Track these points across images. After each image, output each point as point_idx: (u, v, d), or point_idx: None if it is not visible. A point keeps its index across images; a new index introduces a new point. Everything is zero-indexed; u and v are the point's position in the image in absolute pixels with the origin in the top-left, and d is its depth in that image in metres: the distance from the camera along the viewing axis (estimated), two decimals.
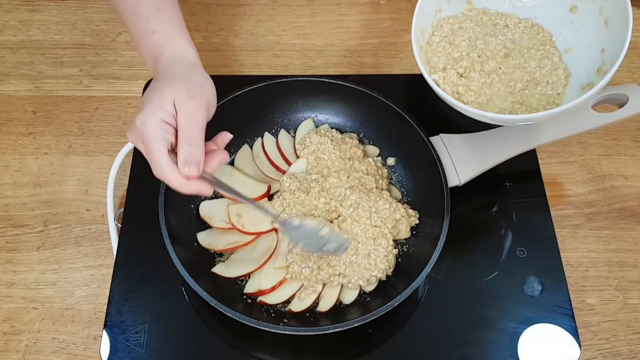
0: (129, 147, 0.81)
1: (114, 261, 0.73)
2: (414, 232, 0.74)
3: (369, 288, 0.69)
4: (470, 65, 0.69)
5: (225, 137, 0.63)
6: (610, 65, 0.60)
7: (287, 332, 0.62)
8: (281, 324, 0.64)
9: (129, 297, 0.70)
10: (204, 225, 0.75)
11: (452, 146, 0.75)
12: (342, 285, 0.69)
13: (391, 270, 0.70)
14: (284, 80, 0.79)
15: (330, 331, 0.61)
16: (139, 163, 0.79)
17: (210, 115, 0.61)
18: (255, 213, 0.73)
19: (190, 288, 0.63)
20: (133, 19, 0.66)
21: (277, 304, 0.68)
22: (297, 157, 0.79)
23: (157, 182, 0.69)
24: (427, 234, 0.71)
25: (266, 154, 0.80)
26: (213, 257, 0.72)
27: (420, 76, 0.67)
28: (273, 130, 0.83)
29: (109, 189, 0.79)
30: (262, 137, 0.81)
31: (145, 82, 0.88)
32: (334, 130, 0.81)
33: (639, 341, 0.71)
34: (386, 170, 0.79)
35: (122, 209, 0.76)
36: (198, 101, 0.58)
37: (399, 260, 0.72)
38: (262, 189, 0.75)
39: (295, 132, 0.82)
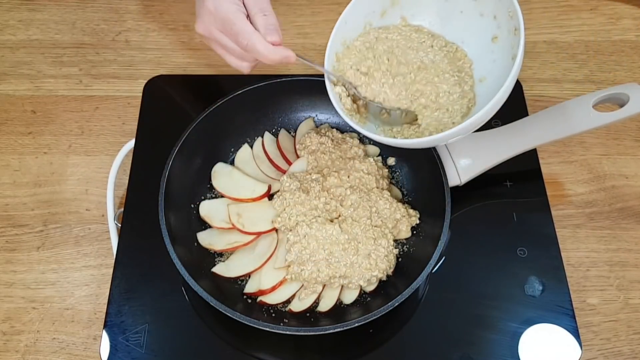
0: (129, 146, 0.81)
1: (113, 261, 0.73)
2: (415, 232, 0.73)
3: (369, 288, 0.69)
4: (375, 65, 0.67)
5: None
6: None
7: (288, 332, 0.62)
8: (281, 324, 0.64)
9: (129, 297, 0.70)
10: (204, 225, 0.74)
11: (452, 146, 0.74)
12: (342, 286, 0.69)
13: (392, 270, 0.70)
14: (284, 79, 0.79)
15: (331, 331, 0.61)
16: (139, 163, 0.79)
17: None
18: (256, 213, 0.73)
19: (190, 288, 0.63)
20: None
21: (277, 304, 0.68)
22: (298, 156, 0.79)
23: (157, 182, 0.69)
24: (427, 233, 0.71)
25: (266, 153, 0.80)
26: (213, 257, 0.72)
27: None
28: (273, 130, 0.83)
29: (108, 189, 0.79)
30: (262, 137, 0.81)
31: (145, 81, 0.88)
32: (334, 129, 0.81)
33: None
34: (387, 170, 0.79)
35: (122, 209, 0.76)
36: None
37: (400, 260, 0.72)
38: (262, 188, 0.75)
39: (295, 132, 0.82)
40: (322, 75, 0.80)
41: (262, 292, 0.68)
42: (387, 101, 0.67)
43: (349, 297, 0.69)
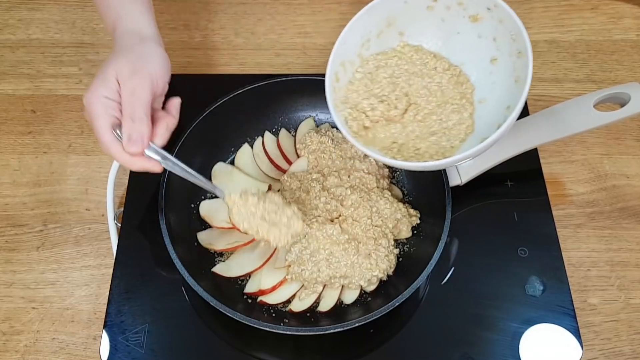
0: None
1: (113, 261, 0.72)
2: (415, 232, 0.73)
3: (370, 288, 0.69)
4: (385, 109, 0.67)
5: (174, 101, 0.63)
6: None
7: (288, 332, 0.62)
8: (282, 324, 0.64)
9: (128, 297, 0.69)
10: (204, 225, 0.74)
11: None
12: (342, 286, 0.69)
13: (392, 270, 0.70)
14: (284, 79, 0.79)
15: (331, 331, 0.61)
16: None
17: (158, 90, 0.60)
18: None
19: (191, 288, 0.63)
20: None
21: (277, 304, 0.68)
22: (298, 156, 0.79)
23: (157, 182, 0.69)
24: (428, 233, 0.71)
25: (267, 153, 0.79)
26: (213, 256, 0.72)
27: None
28: (273, 130, 0.82)
29: (108, 189, 0.78)
30: (262, 137, 0.81)
31: None
32: (334, 129, 0.81)
33: None
34: (387, 170, 0.79)
35: (122, 209, 0.76)
36: (140, 76, 0.58)
37: (400, 260, 0.72)
38: (262, 188, 0.75)
39: (295, 131, 0.82)
40: (323, 75, 0.80)
41: (262, 292, 0.68)
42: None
43: (350, 297, 0.69)
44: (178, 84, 0.88)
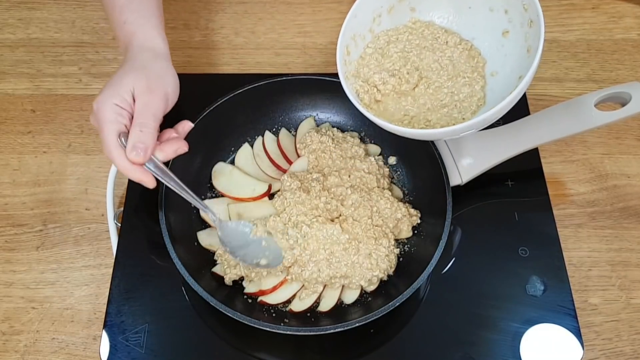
0: None
1: (113, 261, 0.72)
2: (416, 232, 0.73)
3: (370, 288, 0.69)
4: (397, 83, 0.68)
5: (186, 125, 0.65)
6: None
7: (288, 332, 0.61)
8: (282, 324, 0.64)
9: (128, 297, 0.69)
10: (204, 225, 0.74)
11: (454, 145, 0.74)
12: (343, 286, 0.69)
13: (392, 270, 0.70)
14: (284, 78, 0.79)
15: (332, 331, 0.61)
16: None
17: (169, 107, 0.63)
18: (256, 212, 0.73)
19: (191, 288, 0.63)
20: (109, 9, 0.69)
21: (277, 304, 0.68)
22: (298, 156, 0.79)
23: (158, 181, 0.69)
24: (428, 233, 0.71)
25: (267, 152, 0.79)
26: (213, 256, 0.72)
27: None
28: (274, 129, 0.82)
29: (108, 188, 0.78)
30: (262, 136, 0.81)
31: None
32: (335, 129, 0.81)
33: None
34: (387, 169, 0.78)
35: (122, 208, 0.75)
36: (156, 93, 0.61)
37: (401, 259, 0.72)
38: (262, 188, 0.75)
39: (296, 131, 0.82)
40: (323, 74, 0.80)
41: (262, 292, 0.68)
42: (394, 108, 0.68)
43: (350, 297, 0.69)
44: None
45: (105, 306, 0.69)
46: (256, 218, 0.72)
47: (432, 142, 0.72)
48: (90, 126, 0.87)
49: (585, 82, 0.91)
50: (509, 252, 0.73)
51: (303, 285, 0.69)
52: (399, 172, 0.79)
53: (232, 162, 0.79)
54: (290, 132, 0.82)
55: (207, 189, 0.77)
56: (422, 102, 0.67)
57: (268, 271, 0.68)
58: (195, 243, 0.72)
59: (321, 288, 0.68)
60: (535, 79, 0.91)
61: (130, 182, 0.77)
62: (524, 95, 0.86)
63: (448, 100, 0.66)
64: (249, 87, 0.77)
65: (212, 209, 0.67)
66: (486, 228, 0.75)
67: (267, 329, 0.61)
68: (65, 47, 0.95)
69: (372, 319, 0.61)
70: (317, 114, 0.83)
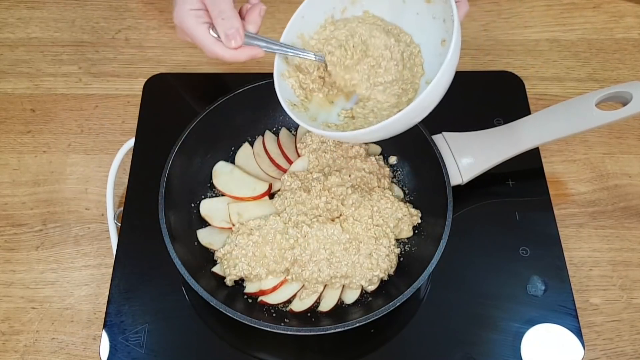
0: (128, 145, 0.80)
1: (113, 260, 0.72)
2: (416, 232, 0.73)
3: (370, 288, 0.69)
4: (342, 55, 0.67)
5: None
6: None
7: (288, 332, 0.61)
8: (282, 324, 0.63)
9: (128, 297, 0.69)
10: (204, 224, 0.74)
11: (454, 145, 0.74)
12: (343, 285, 0.68)
13: (393, 269, 0.70)
14: None
15: (332, 331, 0.61)
16: (139, 161, 0.79)
17: None
18: (256, 212, 0.72)
19: (191, 287, 0.63)
20: None
21: (278, 304, 0.68)
22: (299, 155, 0.79)
23: (157, 181, 0.69)
24: (429, 233, 0.71)
25: (267, 152, 0.79)
26: (213, 256, 0.71)
27: None
28: (274, 129, 0.82)
29: (108, 188, 0.78)
30: (263, 136, 0.81)
31: (145, 80, 0.87)
32: None
33: None
34: (388, 169, 0.78)
35: (122, 208, 0.75)
36: None
37: (401, 259, 0.71)
38: (262, 187, 0.74)
39: (296, 131, 0.82)
40: None
41: (262, 292, 0.68)
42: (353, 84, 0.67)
43: (350, 297, 0.69)
44: (178, 83, 0.89)
45: (105, 306, 0.69)
46: (256, 218, 0.71)
47: (433, 141, 0.72)
48: (90, 125, 0.87)
49: (586, 82, 0.91)
50: (510, 251, 0.73)
51: (303, 285, 0.69)
52: (399, 172, 0.79)
53: (233, 162, 0.79)
54: (290, 131, 0.82)
55: (207, 188, 0.77)
56: (353, 83, 0.66)
57: (268, 271, 0.68)
58: (196, 242, 0.72)
59: (321, 288, 0.68)
60: (536, 78, 0.92)
61: (131, 181, 0.77)
62: (525, 94, 0.86)
63: (379, 97, 0.65)
64: (250, 86, 0.77)
65: (304, 52, 0.66)
66: (487, 228, 0.75)
67: (268, 329, 0.61)
68: (65, 47, 0.95)
69: (373, 319, 0.61)
70: None
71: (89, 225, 0.79)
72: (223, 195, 0.76)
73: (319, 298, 0.68)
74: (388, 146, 0.81)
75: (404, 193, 0.78)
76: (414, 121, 0.61)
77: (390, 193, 0.74)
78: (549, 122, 0.73)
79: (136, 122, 0.83)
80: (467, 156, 0.73)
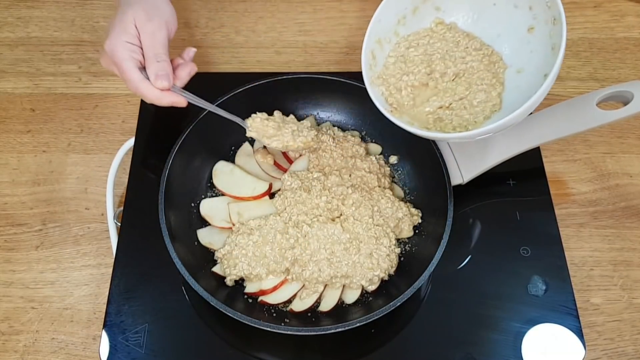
0: (128, 145, 0.80)
1: (113, 260, 0.72)
2: (417, 231, 0.73)
3: (371, 287, 0.68)
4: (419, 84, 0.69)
5: (190, 51, 0.69)
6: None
7: (289, 332, 0.61)
8: (282, 324, 0.63)
9: (128, 297, 0.69)
10: (205, 224, 0.74)
11: (455, 144, 0.74)
12: (344, 285, 0.68)
13: (393, 269, 0.69)
14: (285, 77, 0.78)
15: (332, 331, 0.61)
16: (139, 161, 0.79)
17: (172, 33, 0.67)
18: (257, 212, 0.72)
19: (191, 287, 0.62)
20: None
21: (278, 304, 0.68)
22: (299, 155, 0.78)
23: (157, 180, 0.69)
24: (429, 232, 0.71)
25: (268, 152, 0.79)
26: (213, 256, 0.71)
27: None
28: None
29: (108, 188, 0.78)
30: None
31: None
32: (335, 128, 0.81)
33: None
34: (388, 169, 0.78)
35: (122, 208, 0.75)
36: (157, 21, 0.64)
37: (402, 259, 0.71)
38: (263, 187, 0.74)
39: None
40: (324, 73, 0.80)
41: (263, 292, 0.68)
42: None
43: (351, 296, 0.68)
44: None
45: (105, 306, 0.69)
46: (256, 217, 0.71)
47: (434, 141, 0.72)
48: (89, 125, 0.87)
49: (587, 81, 0.91)
50: (511, 251, 0.73)
51: (304, 285, 0.68)
52: (400, 172, 0.79)
53: (233, 161, 0.79)
54: None
55: (207, 188, 0.77)
56: (438, 105, 0.68)
57: (269, 271, 0.68)
58: (196, 242, 0.72)
59: (322, 288, 0.68)
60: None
61: (130, 181, 0.77)
62: None
63: (461, 104, 0.67)
64: (250, 85, 0.77)
65: (239, 118, 0.71)
66: (487, 227, 0.75)
67: (268, 329, 0.61)
68: (65, 46, 0.95)
69: (373, 319, 0.61)
70: (317, 113, 0.83)
71: (88, 225, 0.78)
72: (223, 194, 0.76)
73: (320, 298, 0.68)
74: (388, 146, 0.81)
75: (405, 193, 0.77)
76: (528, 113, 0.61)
77: (391, 193, 0.74)
78: (550, 121, 0.73)
79: (136, 121, 0.83)
80: (467, 156, 0.73)
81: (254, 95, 0.77)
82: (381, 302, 0.64)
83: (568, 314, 0.68)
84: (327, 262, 0.67)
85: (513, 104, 0.65)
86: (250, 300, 0.68)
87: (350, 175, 0.74)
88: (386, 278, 0.69)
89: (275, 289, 0.68)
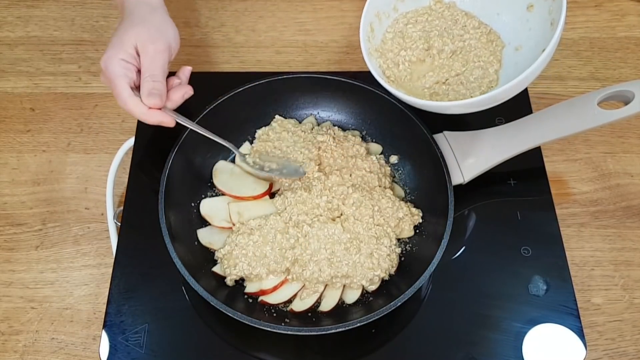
0: (128, 144, 0.80)
1: (113, 260, 0.72)
2: (417, 231, 0.73)
3: (371, 287, 0.68)
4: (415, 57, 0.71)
5: (186, 70, 0.70)
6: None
7: (289, 332, 0.61)
8: (283, 324, 0.63)
9: (128, 297, 0.69)
10: (205, 224, 0.74)
11: (455, 144, 0.74)
12: (344, 285, 0.68)
13: (394, 269, 0.69)
14: (285, 77, 0.78)
15: (333, 331, 0.61)
16: (139, 161, 0.79)
17: (173, 55, 0.68)
18: (257, 211, 0.72)
19: (191, 287, 0.62)
20: None
21: (278, 304, 0.68)
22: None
23: (157, 180, 0.69)
24: (430, 232, 0.70)
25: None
26: (213, 255, 0.71)
27: None
28: None
29: (108, 187, 0.78)
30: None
31: None
32: (336, 127, 0.81)
33: None
34: (389, 168, 0.78)
35: (122, 208, 0.75)
36: (160, 44, 0.65)
37: (402, 259, 0.71)
38: (263, 187, 0.74)
39: None
40: (324, 72, 0.80)
41: (263, 292, 0.68)
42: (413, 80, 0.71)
43: (351, 296, 0.68)
44: None
45: (105, 306, 0.69)
46: (257, 217, 0.71)
47: (434, 140, 0.72)
48: (89, 125, 0.87)
49: (588, 81, 0.91)
50: (512, 251, 0.73)
51: (304, 285, 0.68)
52: (400, 171, 0.79)
53: (233, 161, 0.79)
54: None
55: (207, 188, 0.77)
56: (435, 80, 0.70)
57: (269, 271, 0.68)
58: (196, 242, 0.71)
59: (322, 288, 0.68)
60: (537, 77, 0.91)
61: (130, 181, 0.77)
62: (527, 93, 0.85)
63: (458, 80, 0.69)
64: (250, 85, 0.76)
65: (231, 144, 0.72)
66: (488, 227, 0.75)
67: (268, 329, 0.61)
68: (65, 45, 0.95)
69: (374, 319, 0.61)
70: (318, 113, 0.83)
71: (88, 225, 0.78)
72: (223, 194, 0.75)
73: (320, 298, 0.68)
74: (389, 145, 0.80)
75: (405, 192, 0.77)
76: (523, 87, 0.62)
77: (391, 192, 0.73)
78: (551, 121, 0.72)
79: (136, 121, 0.82)
80: (468, 155, 0.73)
81: (254, 95, 0.77)
82: (382, 302, 0.64)
83: (569, 314, 0.68)
84: (328, 262, 0.67)
85: (511, 80, 0.65)
86: (250, 300, 0.68)
87: (350, 175, 0.74)
88: (387, 278, 0.69)
89: (275, 289, 0.68)
